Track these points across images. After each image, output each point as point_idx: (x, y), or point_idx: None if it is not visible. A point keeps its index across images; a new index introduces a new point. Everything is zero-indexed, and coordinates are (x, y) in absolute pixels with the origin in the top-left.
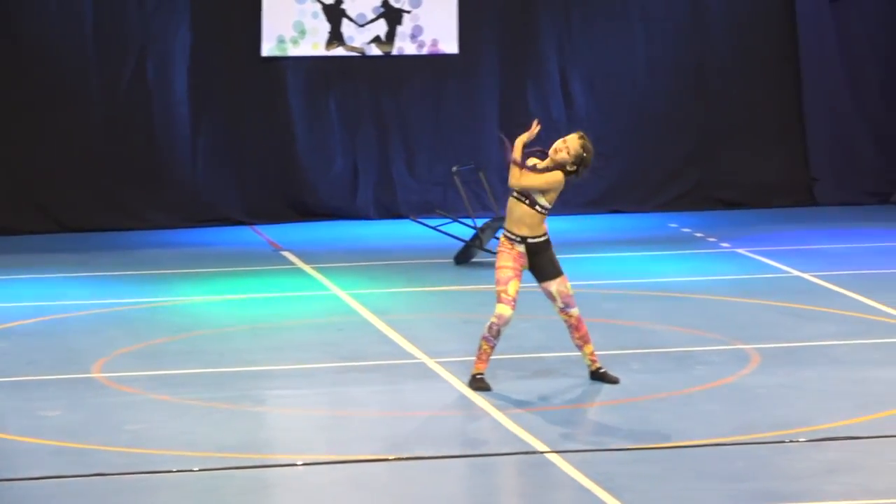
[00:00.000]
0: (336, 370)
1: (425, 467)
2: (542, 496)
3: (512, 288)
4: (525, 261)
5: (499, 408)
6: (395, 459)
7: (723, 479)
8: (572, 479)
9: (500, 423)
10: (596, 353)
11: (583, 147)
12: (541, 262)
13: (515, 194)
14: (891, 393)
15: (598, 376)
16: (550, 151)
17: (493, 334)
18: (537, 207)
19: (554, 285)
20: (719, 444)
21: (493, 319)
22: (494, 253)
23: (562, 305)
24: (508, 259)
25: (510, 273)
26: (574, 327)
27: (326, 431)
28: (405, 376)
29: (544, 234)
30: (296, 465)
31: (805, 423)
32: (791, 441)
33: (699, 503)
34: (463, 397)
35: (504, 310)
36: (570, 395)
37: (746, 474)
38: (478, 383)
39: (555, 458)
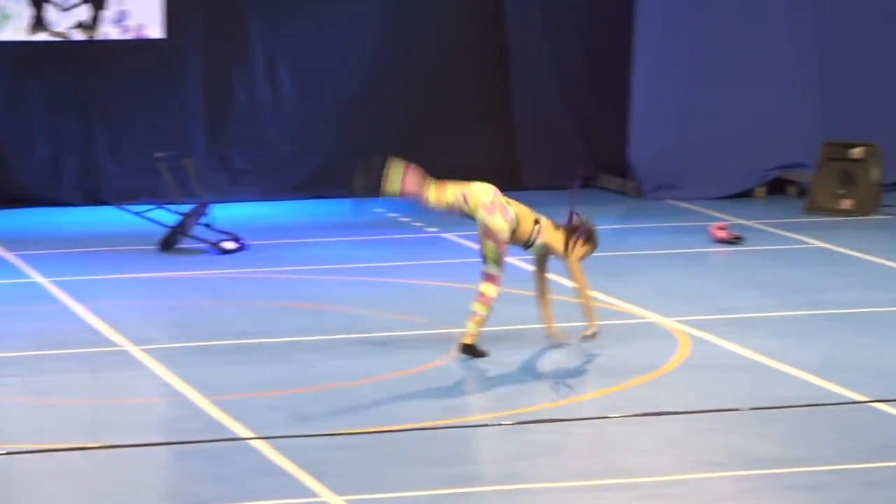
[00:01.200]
0: (36, 358)
1: (127, 455)
2: (247, 483)
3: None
4: None
5: (204, 394)
6: (97, 448)
7: (428, 462)
8: (277, 466)
9: (204, 411)
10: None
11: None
12: None
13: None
14: (592, 374)
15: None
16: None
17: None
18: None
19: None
20: (425, 428)
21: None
22: (199, 239)
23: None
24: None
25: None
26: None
27: (26, 420)
28: (108, 364)
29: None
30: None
31: (509, 405)
32: (494, 424)
33: (402, 487)
34: (166, 385)
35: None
36: (276, 381)
37: (450, 458)
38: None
39: (259, 445)
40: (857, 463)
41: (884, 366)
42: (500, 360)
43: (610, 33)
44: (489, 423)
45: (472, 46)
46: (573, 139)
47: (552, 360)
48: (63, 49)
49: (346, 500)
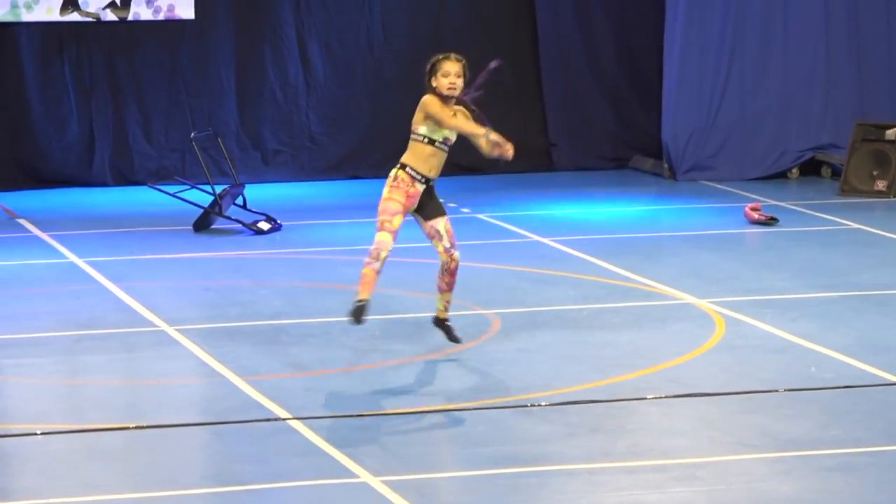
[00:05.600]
0: (73, 339)
1: (165, 435)
2: (285, 463)
3: (397, 221)
4: (415, 202)
5: (240, 375)
6: (134, 428)
7: (464, 443)
8: (315, 446)
9: (241, 390)
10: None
11: (461, 66)
12: (433, 200)
13: (439, 142)
14: (628, 356)
15: (443, 327)
16: (447, 90)
17: (375, 257)
18: (446, 148)
19: (442, 222)
20: (460, 409)
21: (374, 246)
22: (233, 220)
23: (448, 245)
24: (402, 195)
25: (399, 207)
26: (450, 271)
27: (64, 400)
28: (144, 344)
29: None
30: (35, 434)
31: (544, 387)
32: (532, 405)
33: (438, 468)
34: (203, 364)
35: (386, 237)
36: (311, 362)
37: (487, 439)
38: (359, 312)
39: (296, 425)
40: (891, 445)
41: None
42: (535, 341)
43: (641, 12)
44: (523, 403)
45: (503, 26)
46: (606, 120)
47: (587, 343)
48: (95, 29)
49: (384, 481)
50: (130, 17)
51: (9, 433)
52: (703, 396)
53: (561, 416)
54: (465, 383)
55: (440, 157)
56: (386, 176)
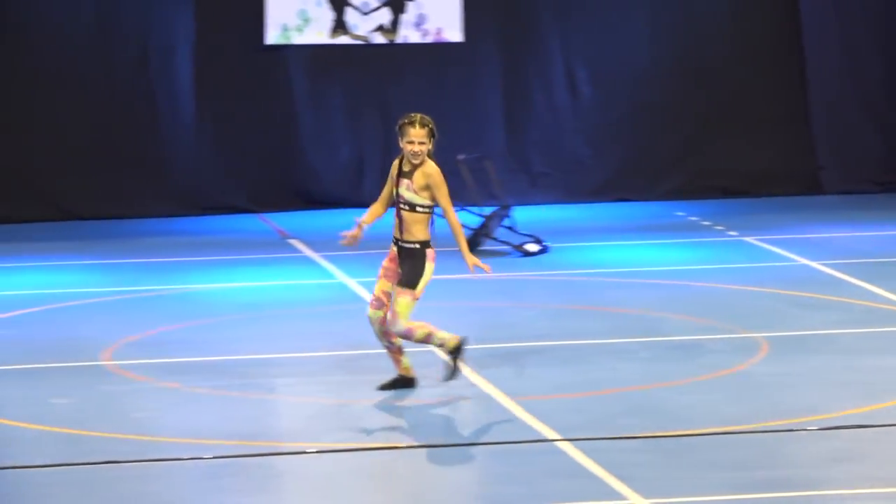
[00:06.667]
0: (344, 358)
1: (434, 455)
2: (552, 484)
3: (376, 288)
4: (395, 263)
5: (508, 395)
6: (405, 447)
7: (730, 467)
8: (582, 467)
9: (509, 411)
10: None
11: (426, 131)
12: (402, 265)
13: (401, 203)
14: (886, 380)
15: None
16: (409, 155)
17: (377, 336)
18: (417, 209)
19: (394, 290)
20: (727, 433)
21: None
22: (501, 241)
23: (390, 316)
24: (385, 260)
25: (379, 272)
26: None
27: (334, 419)
28: (414, 365)
29: (418, 241)
30: (306, 452)
31: (812, 411)
32: (798, 430)
33: (706, 491)
34: (473, 385)
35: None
36: (578, 383)
37: (753, 462)
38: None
39: (565, 446)
40: None
41: None
42: (803, 365)
43: None
44: (792, 427)
45: (767, 49)
46: (874, 143)
47: (856, 367)
48: (363, 52)
49: (653, 503)
50: (399, 40)
51: (281, 451)
52: None
53: (827, 441)
54: (732, 406)
55: (402, 217)
56: (654, 198)
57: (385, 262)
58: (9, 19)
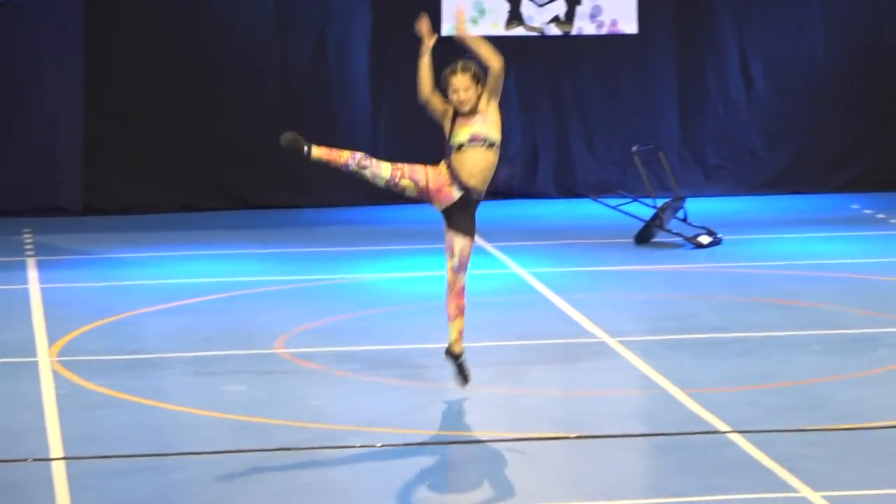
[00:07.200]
0: (515, 348)
1: (604, 446)
2: (722, 476)
3: (408, 170)
4: (443, 199)
5: (679, 387)
6: (574, 438)
7: None
8: (754, 459)
9: (680, 403)
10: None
11: (469, 76)
12: (466, 214)
13: (466, 144)
14: None
15: (454, 362)
16: (458, 105)
17: (363, 161)
18: (495, 147)
19: (460, 241)
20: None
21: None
22: (674, 233)
23: (456, 265)
24: (433, 172)
25: (422, 173)
26: (457, 293)
27: (504, 409)
28: (585, 355)
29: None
30: (478, 441)
31: None
32: None
33: (878, 485)
34: (643, 377)
35: (385, 166)
36: (750, 375)
37: None
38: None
39: (736, 438)
40: None
41: None
42: None
43: None
44: None
45: None
46: None
47: None
48: (538, 43)
49: (824, 496)
50: (574, 32)
51: (454, 440)
52: None
53: None
54: None
55: (475, 161)
56: (828, 191)
57: (428, 172)
58: (190, 11)
